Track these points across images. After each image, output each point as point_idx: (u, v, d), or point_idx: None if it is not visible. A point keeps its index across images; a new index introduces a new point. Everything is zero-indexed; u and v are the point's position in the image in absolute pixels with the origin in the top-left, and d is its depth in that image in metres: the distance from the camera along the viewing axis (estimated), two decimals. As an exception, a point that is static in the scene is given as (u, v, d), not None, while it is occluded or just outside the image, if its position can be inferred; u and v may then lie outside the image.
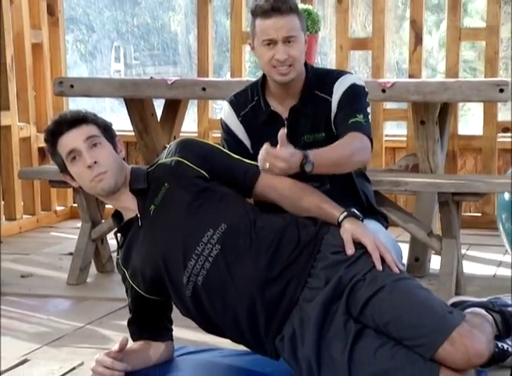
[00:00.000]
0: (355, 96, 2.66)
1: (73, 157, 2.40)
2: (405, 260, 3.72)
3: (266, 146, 2.41)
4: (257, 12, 2.60)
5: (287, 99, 2.69)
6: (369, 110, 2.70)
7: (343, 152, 2.55)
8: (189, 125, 5.22)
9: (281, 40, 2.57)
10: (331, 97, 2.66)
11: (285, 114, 2.70)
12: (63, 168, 2.46)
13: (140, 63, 8.43)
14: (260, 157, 2.42)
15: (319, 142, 2.65)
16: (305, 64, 2.70)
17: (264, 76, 2.72)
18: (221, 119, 2.80)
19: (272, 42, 2.58)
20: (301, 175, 2.44)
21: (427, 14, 5.27)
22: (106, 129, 2.47)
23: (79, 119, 2.42)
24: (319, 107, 2.68)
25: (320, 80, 2.69)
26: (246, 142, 2.76)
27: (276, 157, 2.39)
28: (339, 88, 2.66)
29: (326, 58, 6.70)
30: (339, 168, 2.59)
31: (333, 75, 2.71)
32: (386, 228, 2.86)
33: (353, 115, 2.61)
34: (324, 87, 2.68)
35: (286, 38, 2.57)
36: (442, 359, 2.14)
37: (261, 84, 2.73)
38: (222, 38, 6.74)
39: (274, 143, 2.67)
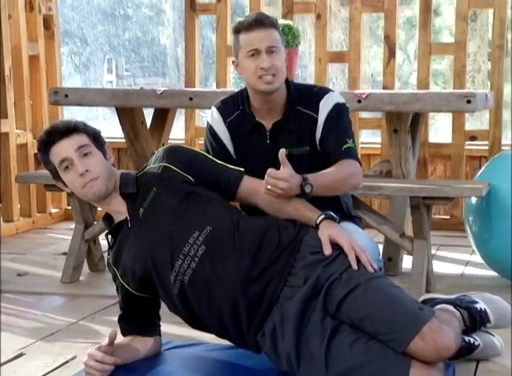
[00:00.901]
0: (340, 116, 2.67)
1: (65, 166, 2.38)
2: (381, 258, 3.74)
3: (269, 170, 2.40)
4: (240, 28, 2.61)
5: (270, 114, 2.68)
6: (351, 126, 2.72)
7: (338, 177, 2.56)
8: (177, 133, 5.21)
9: (265, 50, 2.57)
10: (317, 115, 2.66)
11: (269, 127, 2.70)
12: (56, 175, 2.44)
13: (131, 74, 8.41)
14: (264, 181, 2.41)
15: (304, 155, 2.67)
16: (286, 80, 2.69)
17: (247, 91, 2.71)
18: (207, 123, 2.78)
19: (256, 52, 2.57)
20: (301, 197, 2.43)
21: (399, 30, 5.29)
22: (96, 137, 2.45)
23: (70, 129, 2.40)
24: (303, 123, 2.67)
25: (302, 96, 2.69)
26: (230, 147, 2.74)
27: (277, 178, 2.37)
28: (324, 107, 2.66)
29: (305, 70, 6.71)
30: (334, 191, 2.60)
31: (316, 92, 2.70)
32: (361, 227, 2.86)
33: (344, 141, 2.62)
34: (308, 103, 2.67)
35: (270, 48, 2.57)
36: (413, 352, 2.14)
37: (246, 96, 2.71)
38: (208, 51, 6.74)
39: (256, 152, 2.68)
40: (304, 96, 2.68)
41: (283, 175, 2.37)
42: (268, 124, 2.69)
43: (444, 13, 7.55)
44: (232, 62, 2.69)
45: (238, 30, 2.61)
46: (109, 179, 2.41)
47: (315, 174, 2.49)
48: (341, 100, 2.71)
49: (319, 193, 2.47)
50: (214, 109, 2.77)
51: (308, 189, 2.41)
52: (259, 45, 2.57)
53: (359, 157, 2.72)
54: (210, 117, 2.77)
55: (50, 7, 5.36)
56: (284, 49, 2.65)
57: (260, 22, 2.58)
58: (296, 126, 2.67)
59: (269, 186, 2.38)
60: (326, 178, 2.52)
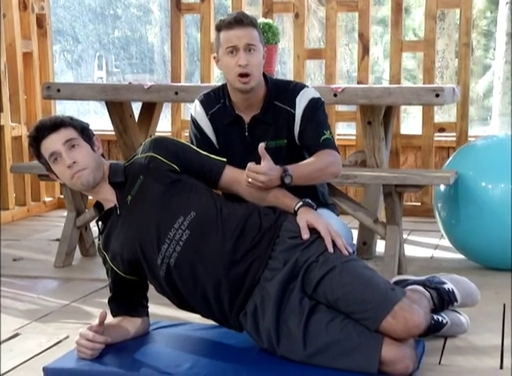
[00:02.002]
0: (317, 110, 2.66)
1: (54, 158, 2.37)
2: (354, 242, 3.74)
3: (249, 164, 2.39)
4: (221, 26, 2.60)
5: (249, 108, 2.68)
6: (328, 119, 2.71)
7: (317, 166, 2.54)
8: (164, 125, 5.19)
9: (243, 47, 2.56)
10: (294, 110, 2.65)
11: (247, 120, 2.69)
12: (48, 168, 2.43)
13: (120, 70, 8.38)
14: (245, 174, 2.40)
15: (281, 148, 2.66)
16: (265, 76, 2.69)
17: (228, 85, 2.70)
18: (191, 116, 2.77)
19: (234, 49, 2.56)
20: (281, 187, 2.42)
21: (373, 28, 5.29)
22: (83, 130, 2.42)
23: (57, 124, 2.38)
24: (280, 117, 2.66)
25: (279, 91, 2.68)
26: (213, 138, 2.73)
27: (257, 172, 2.37)
28: (300, 102, 2.65)
29: (285, 66, 6.71)
30: (314, 180, 2.59)
31: (293, 88, 2.69)
32: (336, 213, 2.86)
33: (321, 133, 2.61)
34: (285, 99, 2.66)
35: (247, 46, 2.56)
36: (385, 330, 2.15)
37: (227, 90, 2.70)
38: (193, 49, 6.73)
39: (236, 143, 2.67)
40: (282, 92, 2.67)
41: (263, 169, 2.37)
42: (247, 117, 2.68)
43: (414, 13, 7.58)
44: (213, 57, 2.68)
45: (219, 27, 2.61)
46: (97, 170, 2.39)
47: (295, 165, 2.48)
48: (316, 95, 2.70)
49: (299, 182, 2.46)
50: (197, 102, 2.76)
51: (287, 180, 2.41)
52: (237, 42, 2.56)
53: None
54: (193, 110, 2.76)
55: (43, 6, 5.31)
56: (263, 47, 2.63)
57: (239, 21, 2.57)
58: (273, 120, 2.66)
59: (250, 180, 2.37)
60: (305, 169, 2.51)
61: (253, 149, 2.42)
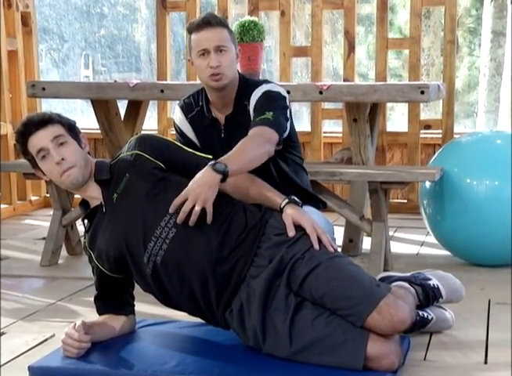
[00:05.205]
0: (266, 100, 2.63)
1: (42, 155, 2.36)
2: (340, 241, 3.75)
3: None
4: (191, 28, 2.63)
5: (224, 108, 2.71)
6: (285, 110, 2.63)
7: (252, 154, 2.39)
8: (151, 124, 5.18)
9: (213, 49, 2.57)
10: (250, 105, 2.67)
11: (223, 121, 2.72)
12: (35, 165, 2.42)
13: (107, 69, 8.34)
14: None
15: None
16: (239, 76, 2.70)
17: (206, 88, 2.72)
18: (173, 122, 2.82)
19: (205, 52, 2.59)
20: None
21: (358, 27, 5.29)
22: (71, 128, 2.42)
23: (45, 120, 2.38)
24: (246, 115, 2.68)
25: (247, 90, 2.69)
26: (195, 140, 2.77)
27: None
28: (254, 96, 2.66)
29: (272, 64, 6.71)
30: (251, 168, 2.42)
31: (255, 85, 2.70)
32: (319, 209, 2.86)
33: (261, 113, 2.57)
34: (248, 97, 2.68)
35: (218, 47, 2.58)
36: (371, 326, 2.16)
37: (205, 93, 2.73)
38: (180, 47, 6.70)
39: (215, 144, 2.69)
40: (249, 91, 2.69)
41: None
42: (222, 118, 2.72)
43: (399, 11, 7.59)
44: (188, 60, 2.70)
45: (189, 30, 2.63)
46: (85, 167, 2.39)
47: (231, 159, 2.32)
48: (274, 89, 2.67)
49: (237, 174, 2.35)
50: (177, 108, 2.81)
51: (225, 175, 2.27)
52: (207, 45, 2.58)
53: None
54: (175, 116, 2.82)
55: (27, 4, 5.28)
56: (235, 47, 2.64)
57: (208, 22, 2.59)
58: (243, 119, 2.68)
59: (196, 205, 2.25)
60: (242, 159, 2.36)
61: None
